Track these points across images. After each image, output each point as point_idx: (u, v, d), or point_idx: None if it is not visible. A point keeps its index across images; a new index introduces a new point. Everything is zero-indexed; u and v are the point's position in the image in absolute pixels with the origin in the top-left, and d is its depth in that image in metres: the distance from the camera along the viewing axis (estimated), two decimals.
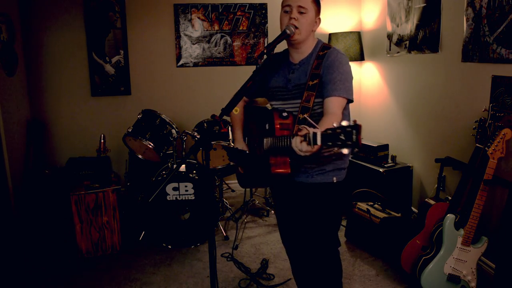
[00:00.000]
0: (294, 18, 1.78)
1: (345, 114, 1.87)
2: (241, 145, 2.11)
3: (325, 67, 1.78)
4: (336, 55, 1.80)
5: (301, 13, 1.78)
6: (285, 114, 1.75)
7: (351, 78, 1.81)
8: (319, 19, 1.88)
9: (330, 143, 1.26)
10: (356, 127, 1.21)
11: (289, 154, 1.70)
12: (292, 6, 1.78)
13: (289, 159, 1.71)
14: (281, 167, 1.73)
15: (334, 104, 1.73)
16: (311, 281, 2.03)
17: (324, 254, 1.99)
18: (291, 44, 1.88)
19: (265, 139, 1.76)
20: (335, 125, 1.26)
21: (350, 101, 1.79)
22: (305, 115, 1.66)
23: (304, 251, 2.00)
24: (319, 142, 1.30)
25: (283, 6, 1.83)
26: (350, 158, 2.31)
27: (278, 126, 1.73)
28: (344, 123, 1.24)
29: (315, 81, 1.78)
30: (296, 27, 1.78)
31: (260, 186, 2.49)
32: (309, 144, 1.36)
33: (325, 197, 1.90)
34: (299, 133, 1.41)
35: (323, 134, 1.29)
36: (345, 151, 1.24)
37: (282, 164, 1.72)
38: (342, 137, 1.23)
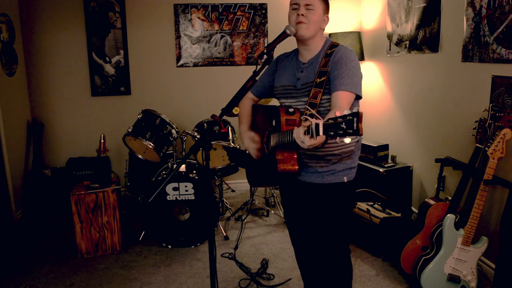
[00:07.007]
0: (302, 15, 1.79)
1: None
2: (247, 135, 2.00)
3: (333, 63, 1.78)
4: (344, 51, 1.80)
5: (308, 9, 1.79)
6: (291, 110, 1.74)
7: (360, 74, 1.79)
8: (327, 17, 1.87)
9: (332, 133, 1.26)
10: (356, 115, 1.20)
11: (296, 148, 1.68)
12: (299, 3, 1.80)
13: (296, 155, 1.70)
14: (288, 164, 1.70)
15: (341, 98, 1.71)
16: (323, 283, 2.00)
17: (337, 255, 1.98)
18: (300, 40, 1.88)
19: (271, 136, 1.76)
20: (337, 114, 1.26)
21: (358, 97, 1.77)
22: (313, 111, 1.64)
23: (317, 252, 1.98)
24: (321, 132, 1.29)
25: (291, 4, 1.85)
26: None
27: (284, 121, 1.72)
28: (345, 111, 1.24)
29: (322, 78, 1.78)
30: (301, 22, 1.79)
31: (270, 185, 2.45)
32: (312, 136, 1.34)
33: (336, 197, 1.89)
34: (303, 123, 1.40)
35: (325, 124, 1.28)
36: (347, 140, 1.23)
37: (289, 161, 1.70)
38: (343, 125, 1.23)
